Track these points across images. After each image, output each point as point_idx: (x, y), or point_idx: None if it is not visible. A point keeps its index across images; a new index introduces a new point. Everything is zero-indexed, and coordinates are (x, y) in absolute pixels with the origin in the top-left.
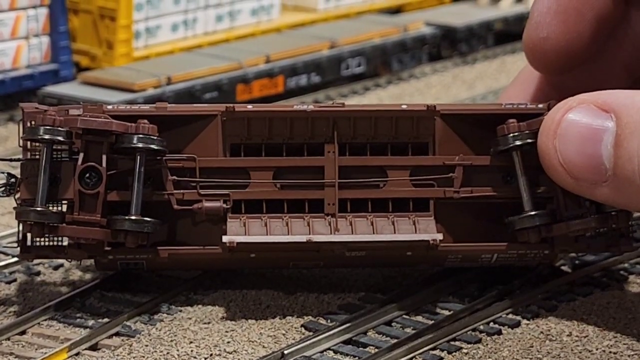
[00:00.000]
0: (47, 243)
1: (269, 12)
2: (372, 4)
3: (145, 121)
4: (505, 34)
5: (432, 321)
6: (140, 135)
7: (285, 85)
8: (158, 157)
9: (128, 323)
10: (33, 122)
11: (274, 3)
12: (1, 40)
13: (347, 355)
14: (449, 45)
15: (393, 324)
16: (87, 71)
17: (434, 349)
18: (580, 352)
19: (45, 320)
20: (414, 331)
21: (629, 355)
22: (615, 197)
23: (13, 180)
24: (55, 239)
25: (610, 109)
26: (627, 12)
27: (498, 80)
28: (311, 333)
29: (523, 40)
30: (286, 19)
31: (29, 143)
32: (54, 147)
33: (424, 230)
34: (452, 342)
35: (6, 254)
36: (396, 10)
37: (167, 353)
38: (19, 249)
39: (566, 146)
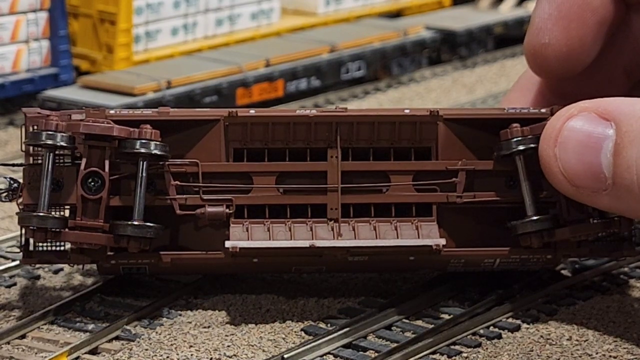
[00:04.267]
0: (49, 248)
1: (268, 16)
2: (372, 7)
3: (148, 126)
4: (505, 38)
5: (432, 325)
6: (143, 141)
7: (285, 89)
8: (161, 162)
9: (128, 327)
10: (35, 127)
11: (274, 7)
12: (1, 44)
13: (347, 359)
14: (449, 49)
15: (393, 328)
16: (87, 75)
17: (433, 353)
18: (580, 356)
19: (45, 324)
20: (413, 335)
21: (628, 359)
22: (615, 205)
23: (16, 185)
24: (58, 244)
25: (610, 117)
26: (627, 16)
27: (498, 84)
28: (311, 337)
29: (524, 46)
30: (286, 22)
31: (31, 148)
32: (57, 152)
33: (427, 235)
34: (452, 346)
35: (6, 258)
36: (396, 14)
37: (167, 357)
38: (21, 254)
39: (566, 154)
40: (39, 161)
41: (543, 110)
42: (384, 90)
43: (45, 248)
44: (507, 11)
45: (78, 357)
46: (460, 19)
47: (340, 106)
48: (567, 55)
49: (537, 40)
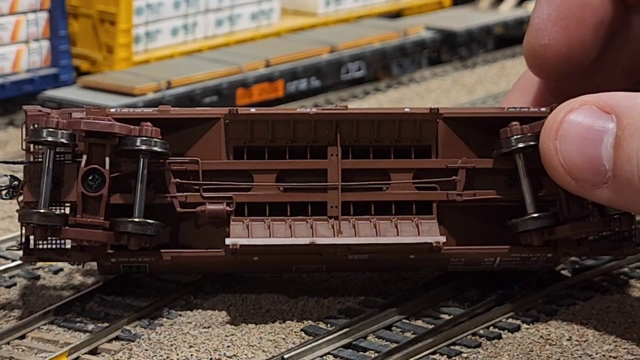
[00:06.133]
0: (50, 246)
1: (268, 17)
2: (372, 8)
3: (149, 124)
4: (505, 38)
5: (432, 325)
6: (144, 138)
7: (285, 90)
8: (161, 160)
9: (128, 327)
10: (36, 125)
11: (274, 7)
12: (1, 44)
13: (347, 359)
14: (449, 49)
15: (393, 328)
16: (87, 75)
17: (433, 353)
18: (580, 357)
19: (45, 324)
20: (413, 335)
21: (628, 359)
22: (615, 198)
23: (16, 183)
24: (58, 241)
25: (611, 111)
26: (627, 16)
27: (498, 85)
28: (311, 337)
29: (524, 47)
30: (286, 23)
31: (32, 146)
32: (57, 149)
33: (427, 232)
34: (452, 347)
35: (6, 258)
36: (396, 15)
37: (167, 357)
38: (21, 251)
39: (567, 147)
40: (40, 159)
41: (543, 109)
42: (384, 90)
43: (45, 245)
44: (507, 11)
45: (78, 357)
46: (460, 19)
47: (341, 104)
48: (567, 55)
49: (537, 41)
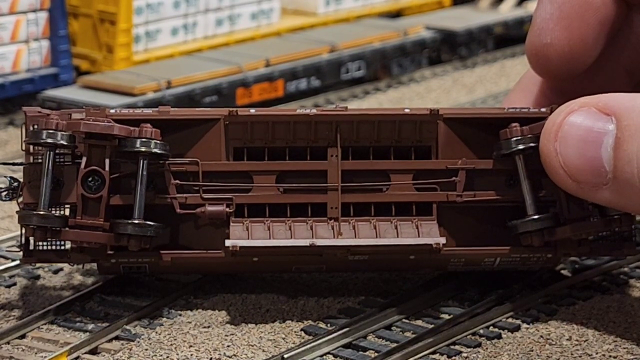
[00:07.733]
0: (49, 247)
1: (268, 16)
2: (372, 8)
3: (149, 125)
4: (505, 38)
5: (432, 325)
6: (143, 139)
7: (285, 89)
8: (161, 161)
9: (128, 327)
10: (36, 126)
11: (274, 7)
12: (1, 44)
13: (347, 359)
14: (449, 49)
15: (393, 328)
16: (87, 75)
17: (433, 353)
18: (580, 356)
19: (45, 324)
20: (413, 335)
21: (628, 359)
22: (615, 199)
23: (16, 184)
24: (58, 243)
25: (611, 112)
26: (629, 16)
27: (498, 84)
28: (311, 337)
29: (526, 47)
30: (286, 22)
31: (31, 147)
32: (57, 150)
33: (427, 234)
34: (452, 346)
35: (6, 258)
36: (396, 14)
37: (167, 357)
38: (21, 253)
39: (567, 149)
40: (39, 160)
41: (543, 110)
42: (384, 90)
43: (45, 247)
44: (507, 11)
45: (78, 357)
46: (460, 19)
47: (341, 105)
48: (569, 55)
49: (539, 41)
